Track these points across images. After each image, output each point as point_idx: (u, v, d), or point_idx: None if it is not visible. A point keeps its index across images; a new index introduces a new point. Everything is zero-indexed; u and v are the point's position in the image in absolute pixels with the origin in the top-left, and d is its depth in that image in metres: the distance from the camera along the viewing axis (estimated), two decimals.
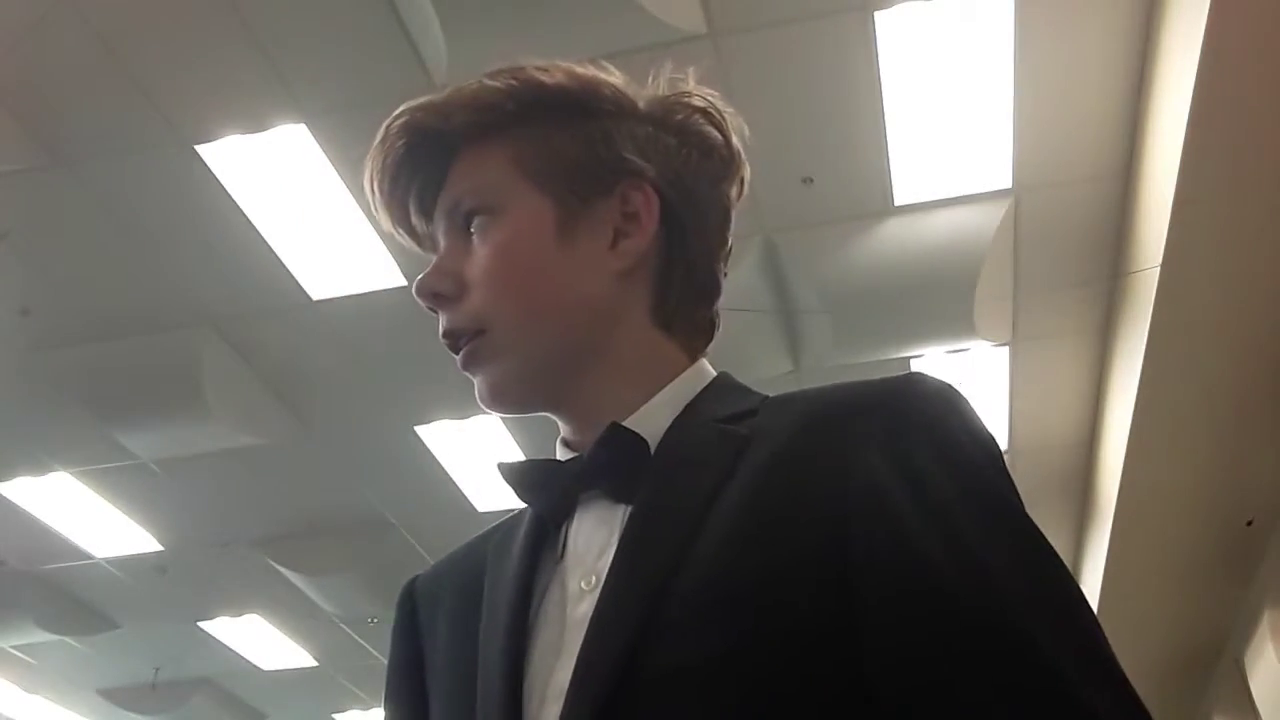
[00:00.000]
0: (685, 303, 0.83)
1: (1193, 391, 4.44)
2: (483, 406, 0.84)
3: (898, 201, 4.12)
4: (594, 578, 0.73)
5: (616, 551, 0.72)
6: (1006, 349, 4.90)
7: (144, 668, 7.73)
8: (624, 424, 0.77)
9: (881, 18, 3.41)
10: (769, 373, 4.71)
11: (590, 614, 0.70)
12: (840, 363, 4.70)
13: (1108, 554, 5.65)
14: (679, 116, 0.86)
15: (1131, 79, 3.64)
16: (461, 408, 5.25)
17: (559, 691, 0.68)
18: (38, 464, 5.57)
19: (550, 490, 0.80)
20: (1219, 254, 3.76)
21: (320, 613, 6.95)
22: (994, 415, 5.26)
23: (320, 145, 3.82)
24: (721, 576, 0.66)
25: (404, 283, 4.43)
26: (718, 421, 0.76)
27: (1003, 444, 5.54)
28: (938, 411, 0.69)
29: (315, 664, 7.86)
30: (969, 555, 0.62)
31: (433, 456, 5.57)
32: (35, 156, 3.85)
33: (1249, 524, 5.21)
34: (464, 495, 5.90)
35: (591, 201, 0.80)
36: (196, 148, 3.82)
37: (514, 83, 0.82)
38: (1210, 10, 2.95)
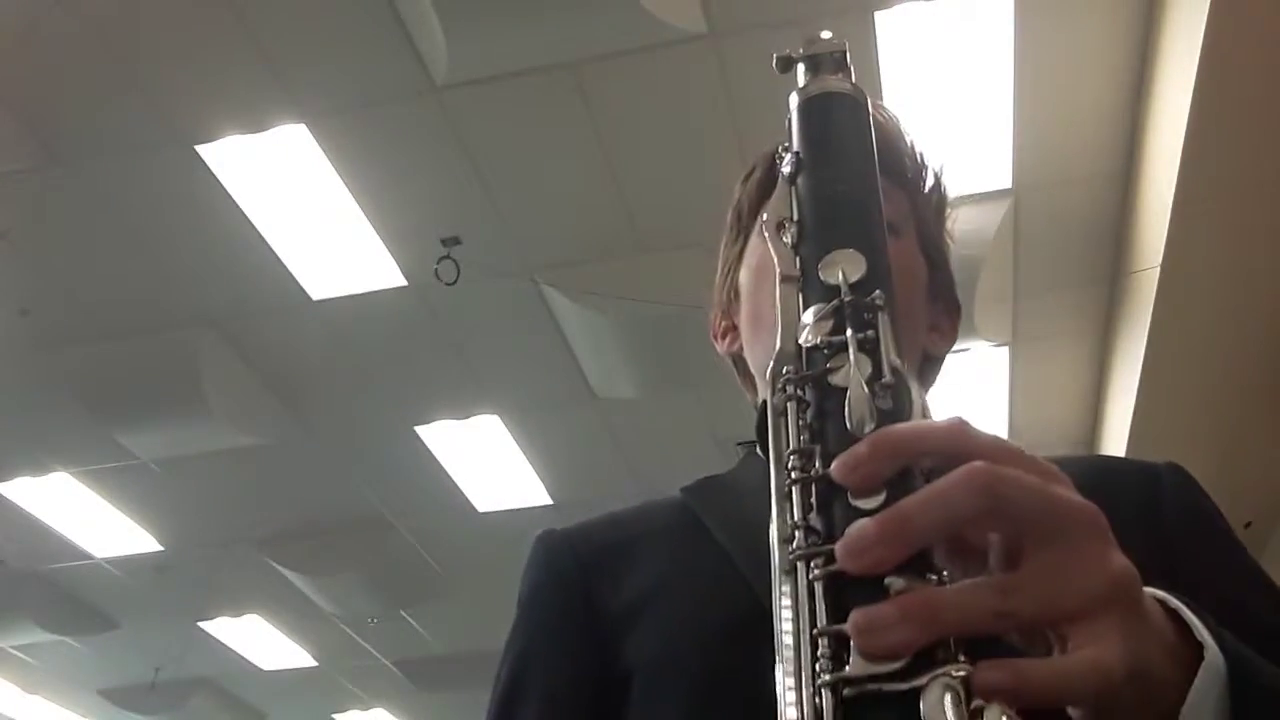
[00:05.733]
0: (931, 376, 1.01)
1: (1192, 392, 4.44)
2: None
3: None
4: None
5: None
6: (1006, 349, 4.90)
7: (144, 668, 7.73)
8: None
9: (881, 18, 3.41)
10: None
11: None
12: None
13: None
14: None
15: (1131, 79, 3.64)
16: (461, 408, 5.25)
17: None
18: (38, 464, 5.57)
19: None
20: (1219, 254, 3.76)
21: (320, 613, 6.95)
22: (994, 415, 5.27)
23: (320, 145, 3.82)
24: None
25: (404, 283, 4.43)
26: None
27: None
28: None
29: (315, 664, 7.87)
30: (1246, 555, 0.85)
31: (433, 456, 5.57)
32: (35, 156, 3.85)
33: (1248, 525, 5.21)
34: (464, 495, 5.90)
35: (939, 290, 0.97)
36: (196, 148, 3.82)
37: (934, 169, 0.98)
38: (1210, 10, 2.95)
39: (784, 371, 0.54)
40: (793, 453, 0.51)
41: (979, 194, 4.07)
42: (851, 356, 0.51)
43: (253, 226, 4.14)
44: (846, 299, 0.53)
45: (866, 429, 0.49)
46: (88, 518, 6.01)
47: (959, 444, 0.47)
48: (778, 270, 0.58)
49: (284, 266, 4.34)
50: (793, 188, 0.60)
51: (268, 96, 3.65)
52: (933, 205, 0.98)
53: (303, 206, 4.09)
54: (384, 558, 6.40)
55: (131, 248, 4.28)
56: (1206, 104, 3.18)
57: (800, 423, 0.51)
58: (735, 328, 1.00)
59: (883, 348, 0.51)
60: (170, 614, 7.05)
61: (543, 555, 0.91)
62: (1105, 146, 3.91)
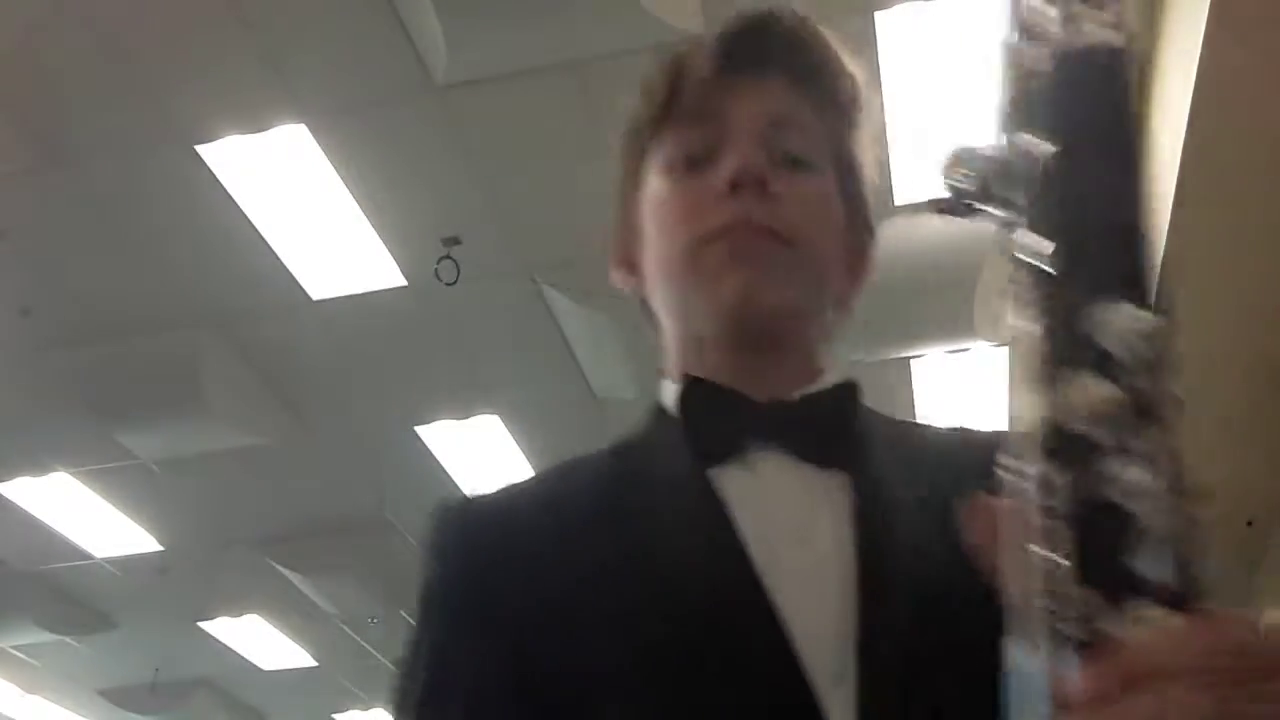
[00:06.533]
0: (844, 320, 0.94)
1: (1192, 391, 4.42)
2: (731, 305, 0.82)
3: (898, 201, 4.12)
4: (807, 539, 0.75)
5: (867, 525, 0.74)
6: (1007, 349, 4.90)
7: (144, 668, 7.73)
8: (826, 389, 0.83)
9: (881, 18, 3.41)
10: None
11: (828, 576, 0.72)
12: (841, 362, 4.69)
13: None
14: None
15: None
16: (461, 408, 5.25)
17: (829, 641, 0.70)
18: (38, 464, 5.57)
19: (727, 428, 0.80)
20: (1219, 254, 3.76)
21: (320, 613, 6.95)
22: (994, 416, 5.26)
23: (320, 145, 3.82)
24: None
25: (404, 283, 4.43)
26: (906, 424, 0.88)
27: None
28: None
29: (315, 664, 7.87)
30: None
31: (433, 456, 5.58)
32: (35, 156, 3.85)
33: (1249, 524, 5.21)
34: (464, 496, 5.90)
35: (856, 228, 0.90)
36: (196, 148, 3.82)
37: (856, 82, 0.88)
38: (1210, 10, 2.95)
39: (1038, 472, 0.40)
40: (1039, 600, 0.39)
41: None
42: (1147, 471, 0.38)
43: (253, 226, 4.15)
44: (1138, 382, 0.39)
45: (1155, 576, 0.39)
46: (88, 518, 6.01)
47: (1207, 667, 0.40)
48: (1014, 321, 0.43)
49: (284, 266, 4.34)
50: (1039, 195, 0.44)
51: (268, 96, 3.65)
52: (862, 140, 0.90)
53: (303, 206, 4.09)
54: (384, 558, 6.39)
55: (131, 248, 4.29)
56: (1206, 104, 3.18)
57: (1050, 532, 0.39)
58: (634, 264, 0.94)
59: (1177, 463, 0.38)
60: (170, 614, 7.05)
61: (448, 537, 0.86)
62: None
